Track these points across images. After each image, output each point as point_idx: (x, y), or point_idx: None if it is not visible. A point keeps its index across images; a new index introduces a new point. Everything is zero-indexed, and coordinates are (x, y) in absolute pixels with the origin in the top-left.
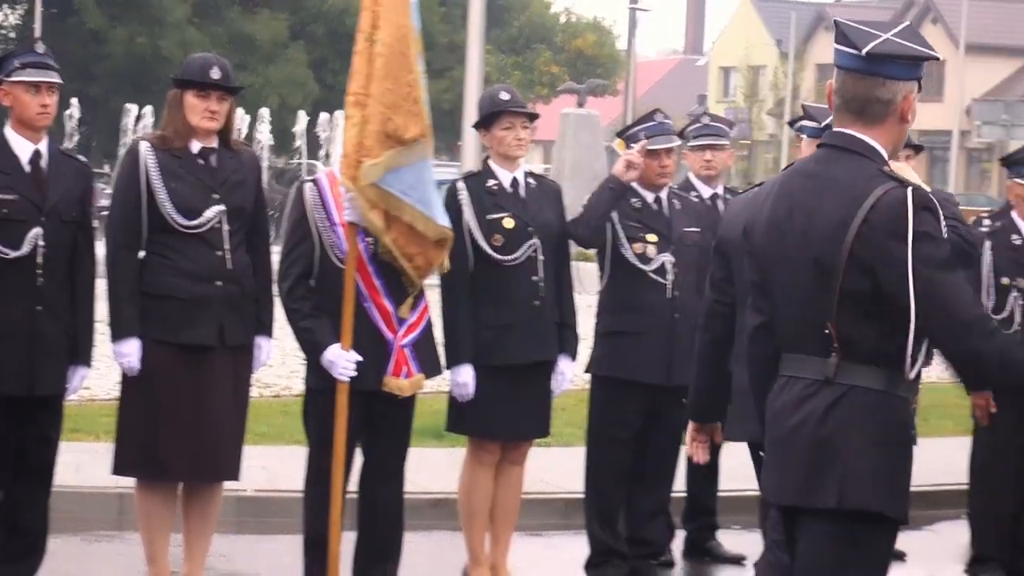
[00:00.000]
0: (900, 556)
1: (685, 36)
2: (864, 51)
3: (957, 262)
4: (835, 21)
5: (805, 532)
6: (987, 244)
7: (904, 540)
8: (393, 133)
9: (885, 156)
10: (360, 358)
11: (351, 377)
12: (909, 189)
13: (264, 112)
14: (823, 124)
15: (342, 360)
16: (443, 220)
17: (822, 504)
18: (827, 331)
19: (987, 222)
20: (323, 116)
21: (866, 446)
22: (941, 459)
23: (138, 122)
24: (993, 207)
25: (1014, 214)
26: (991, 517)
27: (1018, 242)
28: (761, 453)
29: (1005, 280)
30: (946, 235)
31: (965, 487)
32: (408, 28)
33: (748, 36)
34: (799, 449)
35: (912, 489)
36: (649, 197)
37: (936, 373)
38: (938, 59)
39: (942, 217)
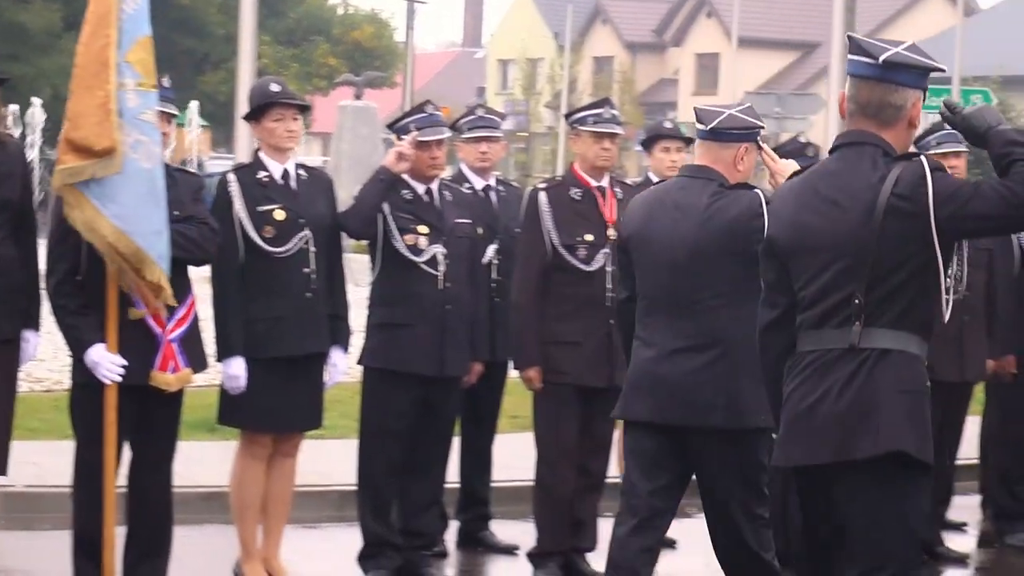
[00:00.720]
0: (671, 544)
1: (463, 28)
2: (881, 59)
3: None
4: (849, 36)
5: (845, 488)
6: None
7: (676, 528)
8: (81, 143)
9: (896, 151)
10: (124, 362)
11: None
12: (923, 159)
13: (37, 102)
14: (709, 127)
15: (106, 362)
16: (154, 250)
17: (860, 454)
18: (856, 301)
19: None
20: None
21: (895, 394)
22: None
23: None
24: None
25: None
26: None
27: None
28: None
29: None
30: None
31: None
32: (110, 39)
33: (526, 29)
34: (829, 411)
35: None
36: (420, 189)
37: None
38: (943, 71)
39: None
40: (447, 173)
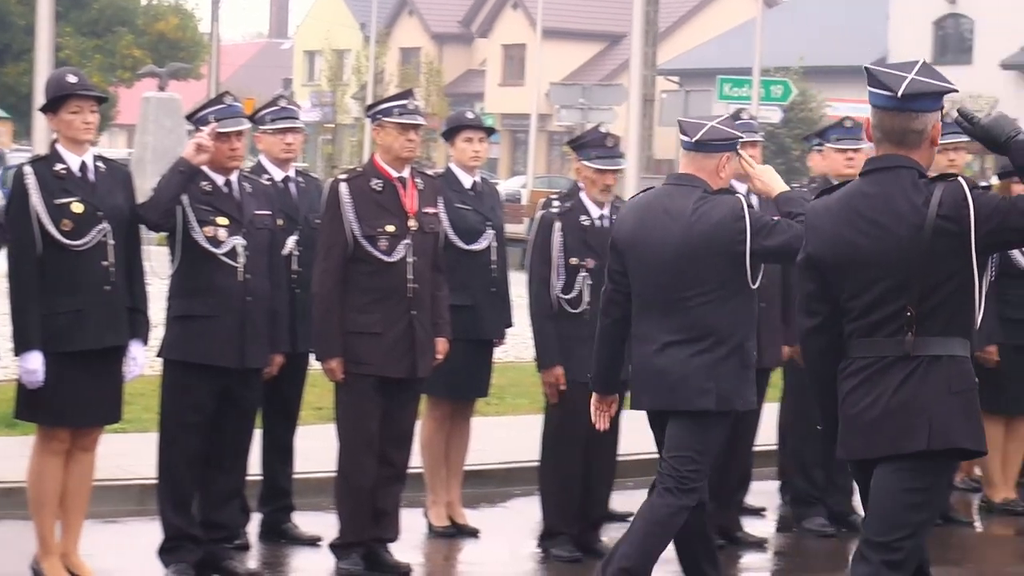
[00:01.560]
0: (474, 533)
1: (269, 20)
2: (900, 93)
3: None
4: (866, 68)
5: (885, 478)
6: (557, 225)
7: (479, 516)
8: None
9: (926, 170)
10: None
11: None
12: (961, 179)
13: None
14: (694, 139)
15: None
16: None
17: (912, 449)
18: (909, 313)
19: (556, 203)
20: None
21: (947, 396)
22: (517, 436)
23: None
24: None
25: (582, 195)
26: (560, 492)
27: (586, 223)
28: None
29: (574, 260)
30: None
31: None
32: None
33: (332, 20)
34: (885, 411)
35: (488, 466)
36: (219, 180)
37: (514, 353)
38: (956, 91)
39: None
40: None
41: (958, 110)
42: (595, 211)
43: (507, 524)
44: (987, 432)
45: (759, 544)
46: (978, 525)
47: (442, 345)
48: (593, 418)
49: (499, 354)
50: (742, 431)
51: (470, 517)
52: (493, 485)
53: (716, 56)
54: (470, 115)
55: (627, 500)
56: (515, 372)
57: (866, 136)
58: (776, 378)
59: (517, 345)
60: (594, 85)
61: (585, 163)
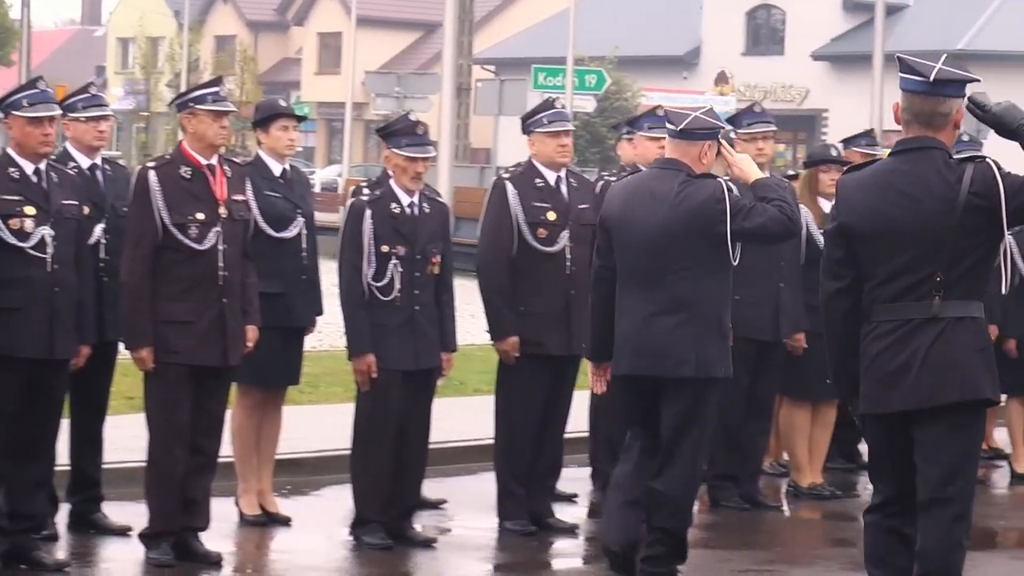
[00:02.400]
0: (285, 521)
1: (82, 6)
2: (932, 78)
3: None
4: (898, 57)
5: (929, 431)
6: (367, 213)
7: (291, 505)
8: None
9: (951, 151)
10: None
11: None
12: (990, 161)
13: None
14: (679, 128)
15: None
16: None
17: (948, 400)
18: (938, 279)
19: (367, 191)
20: None
21: (972, 353)
22: (330, 424)
23: None
24: None
25: (392, 183)
26: (371, 480)
27: (397, 210)
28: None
29: (385, 247)
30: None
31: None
32: None
33: (145, 6)
34: (918, 367)
35: (301, 455)
36: (28, 168)
37: (328, 342)
38: (979, 81)
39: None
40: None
41: (970, 98)
42: (405, 199)
43: (319, 512)
44: (794, 418)
45: (570, 530)
46: (786, 509)
47: (252, 333)
48: (591, 384)
49: (314, 342)
50: (554, 417)
51: (282, 505)
52: (306, 473)
53: (532, 45)
54: (283, 103)
55: (439, 488)
56: (331, 360)
57: (894, 118)
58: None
59: (332, 334)
60: (409, 74)
61: (395, 151)
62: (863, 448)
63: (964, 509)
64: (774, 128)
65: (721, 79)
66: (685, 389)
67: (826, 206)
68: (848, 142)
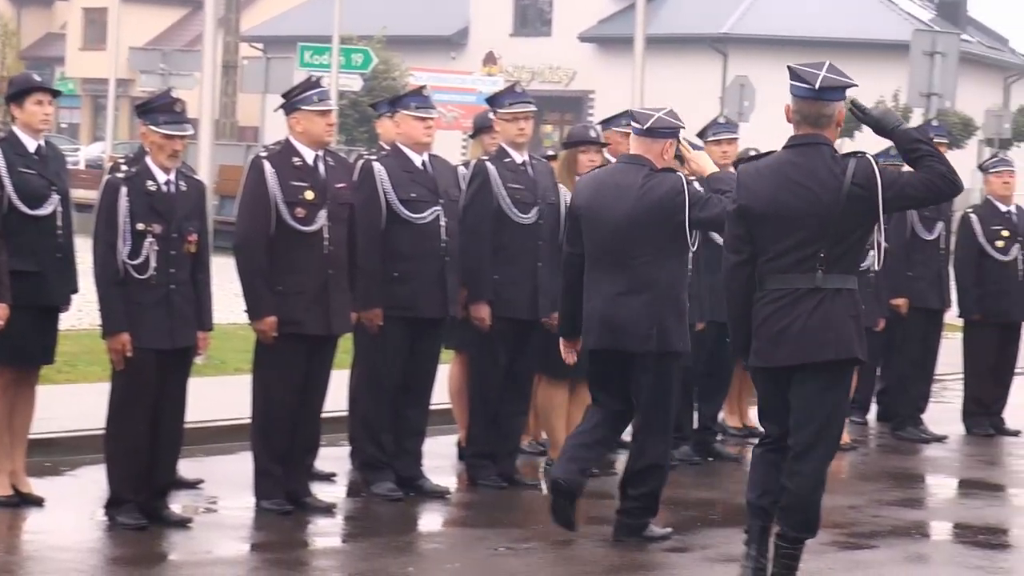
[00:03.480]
0: (38, 502)
1: None
2: (817, 86)
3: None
4: (789, 67)
5: (804, 386)
6: (123, 190)
7: (45, 485)
8: None
9: (834, 147)
10: None
11: None
12: (868, 156)
13: None
14: (645, 127)
15: None
16: None
17: (825, 357)
18: (822, 255)
19: (123, 168)
20: None
21: (847, 319)
22: (88, 404)
23: None
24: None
25: (148, 160)
26: (125, 459)
27: (153, 188)
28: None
29: (140, 225)
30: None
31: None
32: None
33: None
34: (800, 329)
35: (56, 434)
36: None
37: (89, 320)
38: (856, 86)
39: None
40: None
41: (852, 102)
42: (161, 176)
43: (74, 492)
44: (552, 397)
45: (328, 509)
46: (543, 488)
47: (2, 311)
48: (563, 356)
49: (74, 321)
50: (312, 396)
51: (35, 486)
52: (61, 453)
53: (300, 23)
54: (38, 77)
55: (197, 467)
56: (90, 339)
57: (786, 118)
58: (346, 343)
59: (93, 312)
60: (174, 51)
61: (152, 128)
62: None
63: (828, 452)
64: (534, 108)
65: (489, 59)
66: (648, 362)
67: None
68: (607, 123)
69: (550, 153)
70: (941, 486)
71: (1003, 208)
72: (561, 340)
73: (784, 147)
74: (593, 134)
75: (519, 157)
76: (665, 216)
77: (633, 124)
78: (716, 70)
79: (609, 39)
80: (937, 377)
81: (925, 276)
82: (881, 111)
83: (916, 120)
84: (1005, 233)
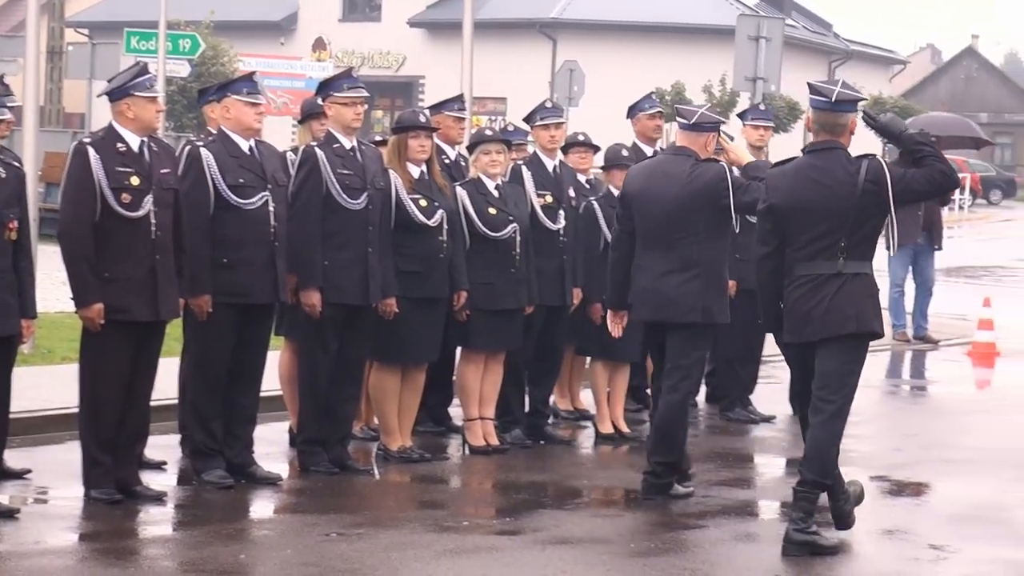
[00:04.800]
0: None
1: None
2: (833, 99)
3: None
4: (809, 83)
5: (828, 355)
6: None
7: None
8: None
9: (848, 151)
10: None
11: None
12: (879, 157)
13: None
14: (691, 122)
15: None
16: None
17: (848, 331)
18: (842, 244)
19: None
20: None
21: (866, 299)
22: None
23: None
24: None
25: None
26: None
27: None
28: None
29: None
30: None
31: None
32: None
33: None
34: (825, 308)
35: None
36: None
37: None
38: (865, 99)
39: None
40: None
41: (864, 111)
42: None
43: None
44: (383, 382)
45: (158, 498)
46: (376, 473)
47: None
48: (610, 328)
49: None
50: (140, 384)
51: None
52: None
53: (126, 9)
54: None
55: (24, 457)
56: None
57: (807, 127)
58: (176, 330)
59: None
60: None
61: None
62: (454, 412)
63: (843, 411)
64: (368, 94)
65: (319, 45)
66: (692, 332)
67: (414, 171)
68: (437, 107)
69: (378, 138)
70: (769, 465)
71: None
72: (608, 311)
73: (805, 152)
74: (422, 119)
75: (348, 143)
76: (710, 200)
77: (679, 120)
78: (546, 55)
79: (438, 24)
80: (764, 358)
81: (752, 259)
82: (888, 118)
83: (743, 104)
84: None
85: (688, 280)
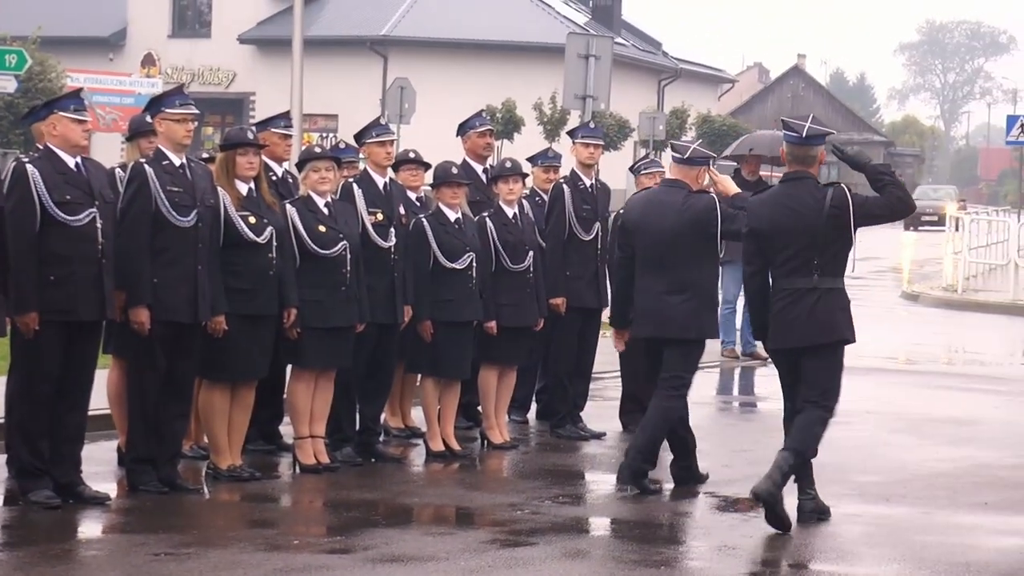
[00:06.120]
0: None
1: None
2: (804, 135)
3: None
4: (782, 120)
5: (810, 361)
6: None
7: None
8: None
9: (817, 180)
10: None
11: None
12: (843, 185)
13: None
14: (685, 156)
15: None
16: None
17: (823, 341)
18: (815, 262)
19: None
20: None
21: (839, 311)
22: None
23: None
24: None
25: None
26: None
27: None
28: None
29: None
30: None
31: None
32: None
33: None
34: (804, 320)
35: None
36: None
37: None
38: (833, 133)
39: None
40: None
41: (833, 145)
42: None
43: None
44: (213, 400)
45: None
46: (205, 492)
47: None
48: (614, 345)
49: None
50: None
51: None
52: None
53: None
54: None
55: None
56: None
57: (781, 159)
58: (3, 348)
59: None
60: None
61: None
62: (284, 430)
63: (829, 406)
64: (197, 111)
65: (148, 61)
66: (686, 347)
67: (243, 188)
68: (263, 124)
69: (205, 156)
70: (599, 482)
71: None
72: (612, 330)
73: (780, 182)
74: (250, 136)
75: (177, 159)
76: (701, 228)
77: (673, 154)
78: (377, 72)
79: (268, 41)
80: (595, 375)
81: (583, 276)
82: (855, 151)
83: (573, 122)
84: None
85: (684, 300)
